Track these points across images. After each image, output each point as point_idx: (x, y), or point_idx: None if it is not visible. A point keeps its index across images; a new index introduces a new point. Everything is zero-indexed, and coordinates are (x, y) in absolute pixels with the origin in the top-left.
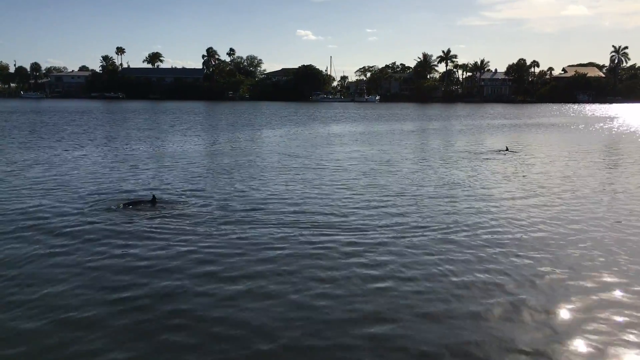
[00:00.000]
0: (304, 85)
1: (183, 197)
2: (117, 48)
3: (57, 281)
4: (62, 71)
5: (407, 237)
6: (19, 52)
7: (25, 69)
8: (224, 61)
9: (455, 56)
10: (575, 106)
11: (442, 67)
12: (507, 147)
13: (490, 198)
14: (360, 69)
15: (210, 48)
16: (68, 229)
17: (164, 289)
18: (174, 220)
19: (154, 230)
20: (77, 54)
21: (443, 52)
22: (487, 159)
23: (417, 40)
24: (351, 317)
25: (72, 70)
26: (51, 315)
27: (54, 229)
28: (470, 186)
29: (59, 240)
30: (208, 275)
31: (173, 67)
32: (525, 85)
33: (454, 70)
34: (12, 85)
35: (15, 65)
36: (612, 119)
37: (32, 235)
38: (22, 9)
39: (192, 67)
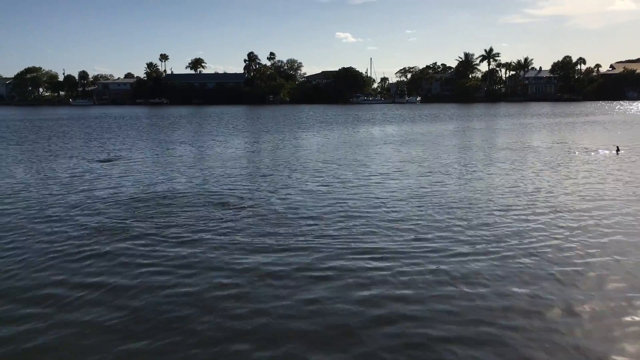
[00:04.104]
0: (345, 88)
1: (246, 198)
2: (161, 55)
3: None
4: (109, 79)
5: (502, 263)
6: (67, 61)
7: (73, 77)
8: (265, 65)
9: (498, 55)
10: (626, 103)
11: (484, 67)
12: (618, 148)
13: (578, 210)
14: (400, 70)
15: (251, 53)
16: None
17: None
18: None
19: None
20: (123, 61)
21: (485, 50)
22: (553, 163)
23: (457, 40)
24: None
25: (118, 78)
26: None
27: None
28: (540, 195)
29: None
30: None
31: (215, 72)
32: (571, 83)
33: (497, 69)
34: (61, 93)
35: (64, 73)
36: None
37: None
38: (70, 19)
39: (234, 72)
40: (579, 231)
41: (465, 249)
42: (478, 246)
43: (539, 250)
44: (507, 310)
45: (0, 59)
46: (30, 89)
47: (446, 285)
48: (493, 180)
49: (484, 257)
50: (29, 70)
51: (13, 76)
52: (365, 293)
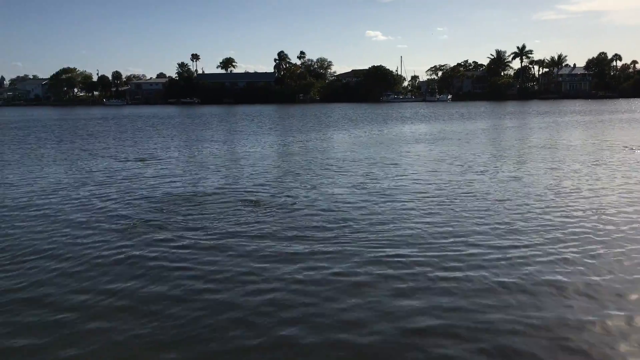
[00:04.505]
0: (375, 86)
1: (277, 197)
2: (192, 55)
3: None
4: (141, 79)
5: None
6: (101, 62)
7: (107, 78)
8: (295, 64)
9: (531, 52)
10: None
11: (516, 64)
12: None
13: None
14: (431, 68)
15: (282, 52)
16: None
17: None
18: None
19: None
20: (155, 61)
21: (518, 47)
22: (598, 161)
23: (489, 38)
24: None
25: (150, 78)
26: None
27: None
28: (580, 195)
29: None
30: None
31: (245, 71)
32: (606, 80)
33: (530, 66)
34: (95, 93)
35: (98, 74)
36: None
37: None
38: (104, 21)
39: (264, 71)
40: (627, 234)
41: (506, 254)
42: (519, 251)
43: (586, 255)
44: (560, 321)
45: (37, 60)
46: (65, 89)
47: (489, 293)
48: (530, 180)
49: (526, 262)
50: (64, 70)
51: (49, 77)
52: (403, 302)
